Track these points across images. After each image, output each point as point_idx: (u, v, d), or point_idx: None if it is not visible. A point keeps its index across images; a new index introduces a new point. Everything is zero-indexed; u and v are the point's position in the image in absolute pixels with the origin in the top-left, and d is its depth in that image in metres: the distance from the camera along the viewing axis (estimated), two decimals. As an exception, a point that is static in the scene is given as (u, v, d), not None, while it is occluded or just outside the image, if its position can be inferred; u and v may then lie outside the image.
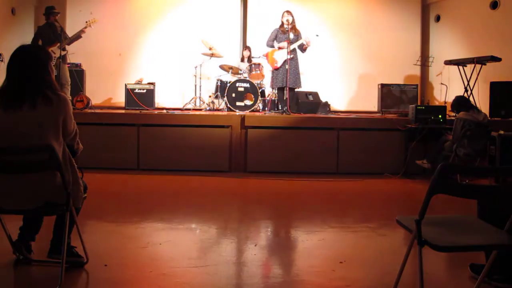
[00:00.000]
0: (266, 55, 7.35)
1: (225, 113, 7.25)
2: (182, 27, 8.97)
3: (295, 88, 7.26)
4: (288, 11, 7.10)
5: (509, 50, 7.11)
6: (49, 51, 6.68)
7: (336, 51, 9.15)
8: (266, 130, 6.59)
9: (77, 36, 7.09)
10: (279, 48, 7.08)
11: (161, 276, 2.75)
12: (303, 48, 7.09)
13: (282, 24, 7.09)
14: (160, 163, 6.46)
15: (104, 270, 2.82)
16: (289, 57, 6.90)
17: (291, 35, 7.02)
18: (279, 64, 7.09)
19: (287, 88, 6.98)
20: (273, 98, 7.93)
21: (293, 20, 7.09)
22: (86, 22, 7.07)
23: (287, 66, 6.92)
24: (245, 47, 8.69)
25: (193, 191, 5.48)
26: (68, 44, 7.16)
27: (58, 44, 6.89)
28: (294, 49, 7.06)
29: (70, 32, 7.30)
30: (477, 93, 7.05)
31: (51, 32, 6.97)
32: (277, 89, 7.33)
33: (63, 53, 6.98)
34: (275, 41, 7.17)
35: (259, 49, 8.33)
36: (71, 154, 2.69)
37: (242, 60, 8.53)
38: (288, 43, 6.93)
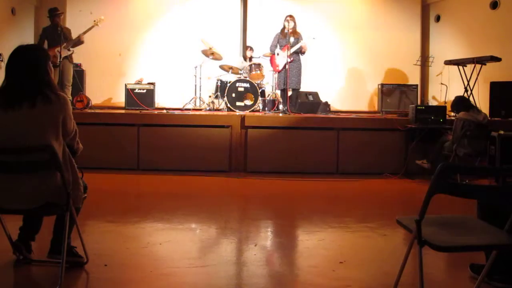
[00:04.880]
0: (271, 59, 7.57)
1: (225, 113, 7.25)
2: (182, 27, 8.97)
3: (298, 88, 7.43)
4: (291, 16, 7.29)
5: (509, 50, 7.11)
6: (54, 51, 6.76)
7: (336, 51, 9.16)
8: (266, 130, 6.59)
9: (78, 41, 7.11)
10: (277, 54, 7.32)
11: (161, 276, 2.75)
12: (301, 51, 7.31)
13: (284, 28, 7.27)
14: (160, 163, 6.46)
15: (104, 270, 2.82)
16: (288, 60, 7.10)
17: (291, 39, 7.23)
18: (280, 68, 7.31)
19: (287, 89, 7.18)
20: (273, 98, 7.96)
21: (295, 25, 7.28)
22: (94, 21, 7.08)
23: (287, 67, 7.09)
24: (248, 47, 8.67)
25: (193, 191, 5.48)
26: (72, 47, 7.17)
27: (64, 44, 6.92)
28: (295, 52, 7.25)
29: (73, 32, 7.29)
30: (477, 93, 7.04)
31: (55, 33, 6.99)
32: (280, 90, 7.48)
33: (68, 53, 7.01)
34: (277, 46, 7.38)
35: (259, 49, 8.36)
36: (71, 154, 2.69)
37: (245, 59, 8.53)
38: (288, 47, 7.14)
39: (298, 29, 7.39)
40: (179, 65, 8.77)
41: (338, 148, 6.57)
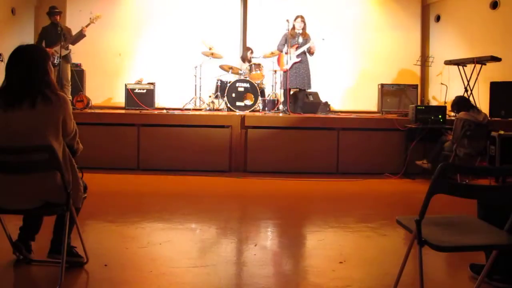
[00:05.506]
0: (278, 58, 7.56)
1: (225, 113, 7.25)
2: (182, 27, 8.96)
3: (306, 89, 7.46)
4: (301, 17, 7.32)
5: (509, 50, 7.11)
6: (52, 50, 6.75)
7: (336, 51, 9.14)
8: (266, 130, 6.59)
9: (80, 35, 7.10)
10: (286, 53, 7.31)
11: (161, 276, 2.75)
12: (310, 52, 7.31)
13: (294, 27, 7.28)
14: (160, 163, 6.46)
15: (104, 270, 2.82)
16: (296, 60, 7.15)
17: (300, 39, 7.26)
18: (287, 67, 7.30)
19: (288, 89, 7.21)
20: (273, 98, 7.96)
21: (305, 25, 7.32)
22: (90, 18, 7.08)
23: (289, 67, 7.15)
24: (249, 48, 8.64)
25: (193, 191, 5.47)
26: (73, 44, 7.18)
27: (62, 44, 6.90)
28: (303, 53, 7.26)
29: (73, 31, 7.29)
30: (477, 93, 7.04)
31: (54, 32, 6.99)
32: (284, 90, 7.47)
33: (65, 52, 7.00)
34: (285, 46, 7.38)
35: (259, 49, 8.35)
36: (71, 154, 2.69)
37: (244, 61, 8.50)
38: (296, 47, 7.17)
39: (308, 31, 7.40)
40: (179, 65, 8.76)
41: (338, 148, 6.57)
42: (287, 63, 7.27)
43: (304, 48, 7.20)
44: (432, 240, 2.08)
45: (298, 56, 7.17)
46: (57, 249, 2.66)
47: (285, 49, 7.36)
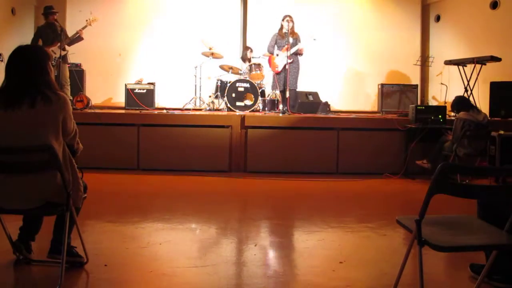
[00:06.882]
0: (269, 60, 7.59)
1: (225, 113, 7.25)
2: (182, 27, 8.97)
3: (295, 89, 7.49)
4: (289, 16, 7.32)
5: (509, 50, 7.11)
6: (49, 50, 6.75)
7: (336, 51, 9.16)
8: (266, 130, 6.59)
9: (78, 37, 7.09)
10: (277, 55, 7.39)
11: (161, 276, 2.75)
12: (299, 53, 7.38)
13: (281, 27, 7.27)
14: (160, 163, 6.46)
15: (104, 270, 2.82)
16: (289, 61, 7.15)
17: (291, 40, 7.26)
18: (279, 69, 7.36)
19: (287, 89, 7.22)
20: (272, 98, 7.96)
21: (293, 25, 7.32)
22: (86, 20, 7.08)
23: (287, 66, 7.16)
24: (248, 48, 8.64)
25: (193, 191, 5.47)
26: (69, 45, 7.17)
27: (58, 44, 6.90)
28: (294, 53, 7.31)
29: (70, 32, 7.31)
30: (477, 93, 7.04)
31: (50, 32, 6.98)
32: (280, 91, 7.49)
33: (63, 53, 6.99)
34: (275, 47, 7.42)
35: (259, 49, 8.35)
36: (71, 154, 2.68)
37: (244, 61, 8.50)
38: (288, 48, 7.16)
39: (298, 30, 7.41)
40: (179, 65, 8.77)
41: (338, 148, 6.57)
42: (279, 64, 7.33)
43: (294, 49, 7.24)
44: (432, 240, 2.08)
45: (289, 57, 7.17)
46: (57, 249, 2.66)
47: (276, 51, 7.38)
